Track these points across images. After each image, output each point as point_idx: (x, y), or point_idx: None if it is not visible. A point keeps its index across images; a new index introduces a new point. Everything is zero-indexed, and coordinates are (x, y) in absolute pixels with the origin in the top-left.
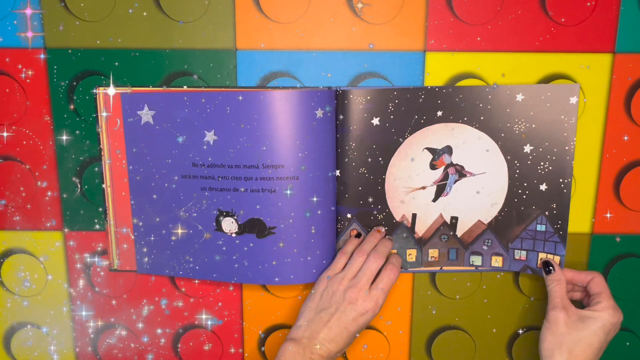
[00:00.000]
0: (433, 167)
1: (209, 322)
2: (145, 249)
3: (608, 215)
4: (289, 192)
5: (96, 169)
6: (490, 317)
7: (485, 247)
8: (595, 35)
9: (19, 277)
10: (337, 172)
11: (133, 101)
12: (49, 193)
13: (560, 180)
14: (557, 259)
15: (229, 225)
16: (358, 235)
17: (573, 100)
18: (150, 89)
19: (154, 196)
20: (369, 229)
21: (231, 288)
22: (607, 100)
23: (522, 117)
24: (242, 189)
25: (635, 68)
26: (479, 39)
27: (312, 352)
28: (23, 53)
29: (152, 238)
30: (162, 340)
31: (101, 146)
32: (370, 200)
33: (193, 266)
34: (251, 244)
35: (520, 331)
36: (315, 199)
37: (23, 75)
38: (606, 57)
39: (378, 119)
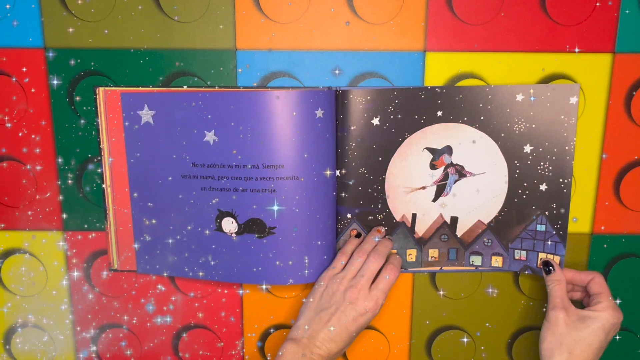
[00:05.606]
0: (433, 167)
1: (209, 322)
2: (145, 249)
3: (608, 215)
4: (289, 192)
5: (96, 169)
6: (490, 317)
7: (485, 247)
8: (595, 35)
9: (19, 277)
10: (337, 172)
11: (133, 101)
12: (49, 193)
13: (560, 180)
14: (557, 259)
15: (229, 225)
16: (358, 235)
17: (573, 100)
18: (150, 89)
19: (154, 196)
20: (369, 229)
21: (223, 287)
22: (607, 100)
23: (522, 117)
24: (242, 189)
25: (635, 68)
26: (479, 38)
27: (312, 352)
28: (23, 53)
29: (152, 238)
30: (162, 340)
31: (101, 146)
32: (370, 200)
33: (193, 266)
34: (251, 244)
35: (520, 331)
36: (315, 199)
37: (23, 75)
38: (606, 57)
39: (378, 119)
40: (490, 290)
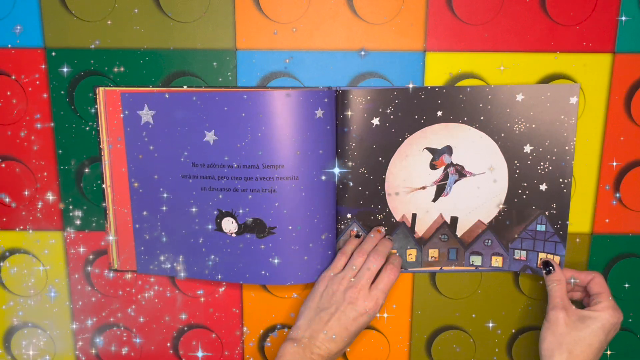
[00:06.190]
0: (433, 167)
1: (209, 322)
2: (145, 249)
3: (608, 215)
4: (289, 192)
5: (96, 169)
6: (490, 317)
7: (485, 247)
8: (595, 35)
9: (19, 277)
10: (337, 172)
11: (133, 101)
12: (49, 193)
13: (560, 180)
14: (557, 259)
15: (229, 225)
16: (358, 236)
17: (573, 100)
18: (150, 89)
19: (154, 196)
20: (369, 229)
21: (223, 287)
22: (607, 100)
23: (522, 117)
24: (242, 189)
25: (635, 68)
26: (479, 38)
27: (312, 352)
28: (23, 53)
29: (152, 238)
30: (162, 340)
31: (101, 146)
32: (370, 200)
33: (193, 266)
34: (251, 244)
35: (520, 331)
36: (315, 199)
37: (23, 75)
38: (606, 57)
39: (378, 119)
40: (490, 290)
